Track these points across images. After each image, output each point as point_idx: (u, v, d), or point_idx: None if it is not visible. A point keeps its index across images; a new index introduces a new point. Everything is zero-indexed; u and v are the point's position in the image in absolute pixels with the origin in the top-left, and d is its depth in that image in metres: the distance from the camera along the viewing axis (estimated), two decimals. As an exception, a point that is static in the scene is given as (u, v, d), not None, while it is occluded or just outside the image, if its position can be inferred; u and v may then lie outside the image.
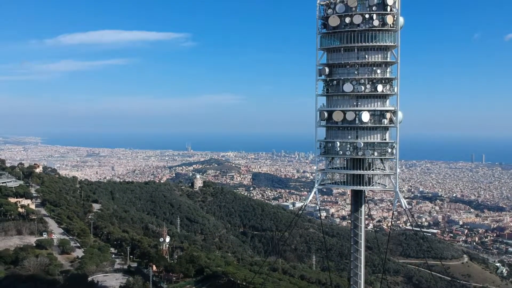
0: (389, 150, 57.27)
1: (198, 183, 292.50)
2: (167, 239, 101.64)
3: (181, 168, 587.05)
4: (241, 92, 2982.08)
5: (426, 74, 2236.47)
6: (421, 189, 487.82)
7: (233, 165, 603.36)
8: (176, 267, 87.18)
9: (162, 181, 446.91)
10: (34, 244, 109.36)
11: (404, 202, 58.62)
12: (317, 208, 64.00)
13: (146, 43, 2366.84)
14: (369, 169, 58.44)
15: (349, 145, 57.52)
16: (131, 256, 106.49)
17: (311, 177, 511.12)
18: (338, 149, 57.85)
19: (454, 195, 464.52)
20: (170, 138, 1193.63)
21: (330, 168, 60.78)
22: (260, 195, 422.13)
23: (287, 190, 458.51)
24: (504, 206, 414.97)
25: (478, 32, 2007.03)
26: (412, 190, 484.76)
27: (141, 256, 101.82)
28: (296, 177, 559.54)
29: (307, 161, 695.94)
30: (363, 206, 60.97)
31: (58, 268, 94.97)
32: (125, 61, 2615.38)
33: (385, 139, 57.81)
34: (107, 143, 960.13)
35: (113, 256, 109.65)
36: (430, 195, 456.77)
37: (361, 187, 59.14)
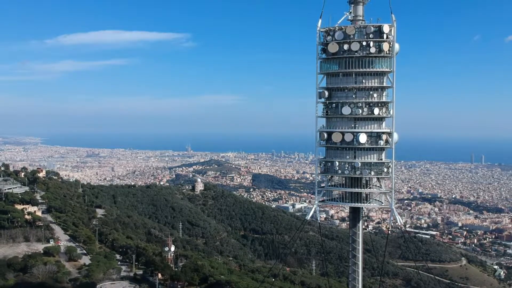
0: (385, 169, 60.41)
1: (199, 187, 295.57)
2: (172, 248, 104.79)
3: (181, 169, 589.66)
4: (241, 92, 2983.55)
5: (426, 74, 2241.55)
6: (420, 190, 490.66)
7: (233, 166, 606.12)
8: (181, 276, 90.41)
9: (162, 182, 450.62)
10: (42, 252, 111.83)
11: (399, 218, 61.93)
12: (318, 220, 65.88)
13: (146, 43, 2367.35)
14: (366, 187, 61.66)
15: (347, 165, 60.60)
16: (136, 263, 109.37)
17: (311, 178, 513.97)
18: (337, 168, 60.96)
19: (453, 196, 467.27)
20: (170, 138, 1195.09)
21: (329, 186, 63.94)
22: (260, 197, 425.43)
23: (287, 191, 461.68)
24: (503, 207, 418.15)
25: (478, 33, 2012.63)
26: (412, 191, 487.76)
27: (146, 263, 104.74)
28: (296, 178, 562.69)
29: (306, 161, 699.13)
30: (360, 222, 64.18)
31: (67, 275, 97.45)
32: (125, 61, 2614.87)
33: (381, 159, 60.87)
34: (107, 143, 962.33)
35: (119, 263, 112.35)
36: (430, 196, 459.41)
37: (359, 204, 62.32)
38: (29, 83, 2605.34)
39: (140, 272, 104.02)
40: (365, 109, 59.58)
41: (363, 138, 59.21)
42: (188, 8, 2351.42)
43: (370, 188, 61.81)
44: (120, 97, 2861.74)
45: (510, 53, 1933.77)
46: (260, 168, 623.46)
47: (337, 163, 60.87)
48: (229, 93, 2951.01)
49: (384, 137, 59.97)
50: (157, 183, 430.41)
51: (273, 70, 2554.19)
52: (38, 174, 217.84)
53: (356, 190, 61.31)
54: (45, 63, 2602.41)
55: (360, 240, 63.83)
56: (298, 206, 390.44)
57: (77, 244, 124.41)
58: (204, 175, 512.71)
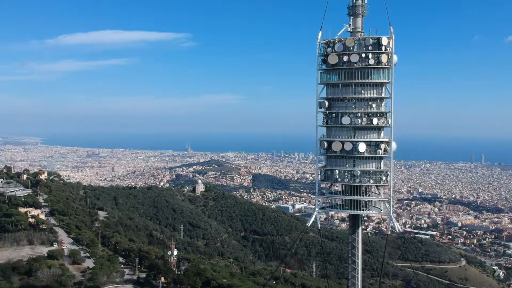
0: (384, 178, 61.82)
1: (200, 188, 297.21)
2: (175, 252, 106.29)
3: (181, 169, 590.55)
4: (241, 92, 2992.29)
5: (426, 74, 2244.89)
6: (420, 190, 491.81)
7: (233, 166, 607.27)
8: (184, 279, 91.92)
9: (162, 183, 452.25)
10: (46, 255, 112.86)
11: (397, 226, 63.48)
12: (319, 227, 67.44)
13: (146, 43, 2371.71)
14: (366, 195, 63.18)
15: (347, 173, 61.95)
16: (139, 266, 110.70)
17: (311, 178, 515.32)
18: (337, 176, 62.38)
19: (453, 196, 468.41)
20: (170, 138, 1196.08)
21: (329, 193, 65.47)
22: (260, 197, 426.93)
23: (287, 192, 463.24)
24: (502, 207, 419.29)
25: (478, 34, 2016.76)
26: (411, 191, 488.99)
27: (149, 267, 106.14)
28: (296, 178, 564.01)
29: (306, 161, 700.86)
30: (360, 228, 65.70)
31: (71, 279, 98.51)
32: (125, 61, 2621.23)
33: (380, 168, 62.27)
34: (107, 143, 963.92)
35: (122, 266, 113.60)
36: (429, 196, 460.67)
37: (358, 212, 63.81)
38: (29, 83, 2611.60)
39: (143, 275, 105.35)
40: (364, 119, 60.93)
41: (362, 147, 60.62)
42: (188, 8, 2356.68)
43: (369, 195, 63.32)
44: (120, 97, 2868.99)
45: (510, 53, 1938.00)
46: (260, 168, 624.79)
47: (337, 171, 62.29)
48: (229, 93, 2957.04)
49: (382, 146, 61.38)
50: (157, 183, 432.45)
51: (273, 70, 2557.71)
52: (40, 176, 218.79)
53: (356, 197, 62.76)
54: (45, 63, 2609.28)
55: (360, 246, 65.34)
56: (298, 206, 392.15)
57: (80, 247, 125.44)
58: (204, 175, 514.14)
